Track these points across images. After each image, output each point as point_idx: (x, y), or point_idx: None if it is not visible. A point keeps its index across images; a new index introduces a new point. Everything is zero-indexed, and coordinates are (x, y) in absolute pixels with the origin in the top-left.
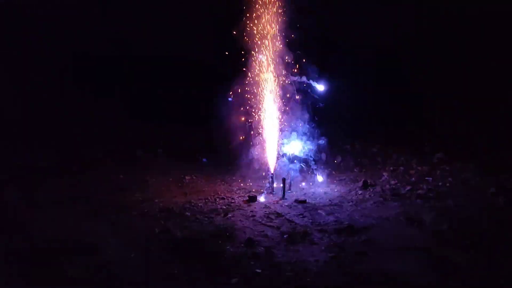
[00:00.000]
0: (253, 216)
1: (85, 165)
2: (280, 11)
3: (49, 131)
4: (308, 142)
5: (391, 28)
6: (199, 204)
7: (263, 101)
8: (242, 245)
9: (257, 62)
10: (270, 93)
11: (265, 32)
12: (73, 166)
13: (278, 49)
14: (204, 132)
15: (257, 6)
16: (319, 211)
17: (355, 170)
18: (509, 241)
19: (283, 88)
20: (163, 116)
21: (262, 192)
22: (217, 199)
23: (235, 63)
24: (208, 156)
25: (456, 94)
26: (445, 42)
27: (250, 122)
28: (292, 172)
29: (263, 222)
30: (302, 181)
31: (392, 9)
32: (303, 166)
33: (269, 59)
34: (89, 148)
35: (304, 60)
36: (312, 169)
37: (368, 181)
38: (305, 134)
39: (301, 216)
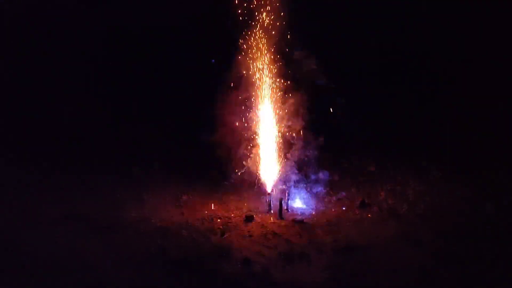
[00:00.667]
0: (250, 235)
1: (80, 182)
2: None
3: (41, 144)
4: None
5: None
6: (196, 223)
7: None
8: (239, 264)
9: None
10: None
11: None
12: (67, 183)
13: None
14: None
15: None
16: (316, 230)
17: (353, 189)
18: (507, 258)
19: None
20: (158, 128)
21: (259, 212)
22: (214, 218)
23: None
24: (205, 174)
25: (452, 110)
26: (444, 53)
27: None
28: (290, 190)
29: (260, 241)
30: (300, 200)
31: (394, 13)
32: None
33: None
34: (84, 164)
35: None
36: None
37: (366, 200)
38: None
39: (298, 235)
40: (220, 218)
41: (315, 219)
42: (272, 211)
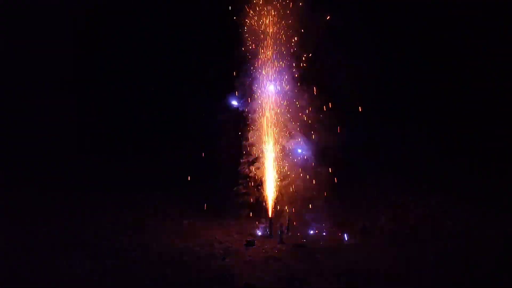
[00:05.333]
0: (251, 260)
1: (83, 208)
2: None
3: (45, 171)
4: None
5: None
6: (197, 249)
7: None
8: None
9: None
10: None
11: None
12: (69, 209)
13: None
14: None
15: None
16: (317, 255)
17: (354, 213)
18: (509, 282)
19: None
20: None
21: (260, 236)
22: (215, 244)
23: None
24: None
25: (452, 132)
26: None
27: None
28: (291, 215)
29: (261, 266)
30: (301, 225)
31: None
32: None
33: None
34: (87, 191)
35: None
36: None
37: (367, 225)
38: None
39: (299, 260)
40: (221, 243)
41: (315, 243)
42: (273, 236)
